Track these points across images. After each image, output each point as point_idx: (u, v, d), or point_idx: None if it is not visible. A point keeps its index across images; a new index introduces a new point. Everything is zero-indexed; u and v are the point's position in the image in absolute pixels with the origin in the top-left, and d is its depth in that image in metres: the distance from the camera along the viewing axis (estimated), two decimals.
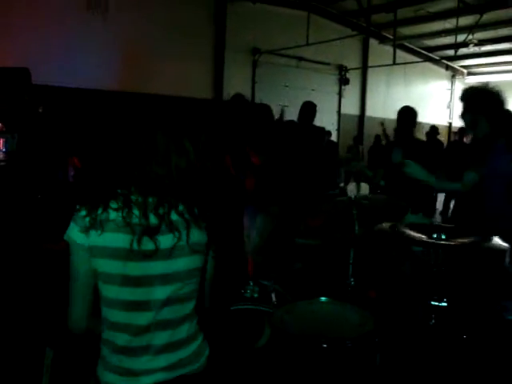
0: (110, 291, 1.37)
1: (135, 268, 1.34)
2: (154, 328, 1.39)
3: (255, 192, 2.97)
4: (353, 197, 2.85)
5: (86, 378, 1.62)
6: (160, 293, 1.37)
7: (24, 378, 2.44)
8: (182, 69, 9.82)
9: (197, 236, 1.39)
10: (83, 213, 1.35)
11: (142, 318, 1.38)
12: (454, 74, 17.44)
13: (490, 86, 3.11)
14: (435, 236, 2.58)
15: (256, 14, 11.06)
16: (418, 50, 14.96)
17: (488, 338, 2.71)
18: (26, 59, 6.23)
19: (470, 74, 17.39)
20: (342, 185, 7.80)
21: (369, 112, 14.50)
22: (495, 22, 11.54)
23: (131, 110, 1.47)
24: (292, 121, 4.87)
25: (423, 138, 8.11)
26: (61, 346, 2.13)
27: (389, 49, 12.32)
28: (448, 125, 17.15)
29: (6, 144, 4.27)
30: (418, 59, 14.84)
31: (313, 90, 12.51)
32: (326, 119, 11.44)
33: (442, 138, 13.12)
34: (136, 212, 1.34)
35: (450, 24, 11.84)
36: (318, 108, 4.96)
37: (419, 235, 2.64)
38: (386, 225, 2.66)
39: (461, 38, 11.87)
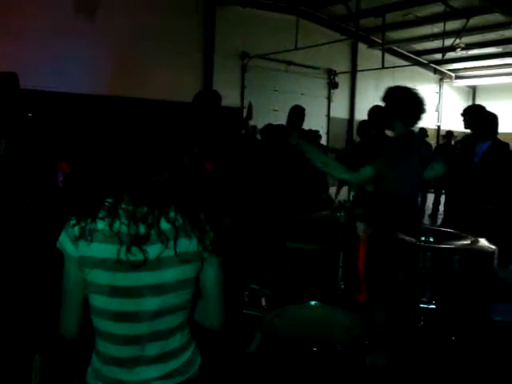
0: (98, 301, 1.35)
1: (124, 278, 1.33)
2: (146, 339, 1.37)
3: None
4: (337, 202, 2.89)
5: None
6: (150, 303, 1.35)
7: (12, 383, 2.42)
8: (171, 73, 9.80)
9: (185, 246, 1.36)
10: (73, 222, 1.34)
11: (132, 329, 1.36)
12: (442, 77, 17.58)
13: (410, 87, 3.15)
14: (423, 239, 2.60)
15: (245, 19, 11.08)
16: (406, 54, 15.07)
17: (476, 339, 2.74)
18: (14, 64, 6.19)
19: (457, 77, 17.54)
20: (335, 188, 7.81)
21: (358, 115, 14.53)
22: (482, 26, 11.68)
23: (121, 115, 1.46)
24: (281, 125, 4.88)
25: None
26: (50, 353, 2.12)
27: (377, 53, 12.40)
28: (436, 128, 17.28)
29: None
30: (407, 63, 14.94)
31: (302, 94, 12.54)
32: (315, 123, 11.47)
33: (432, 141, 13.23)
34: (125, 221, 1.32)
35: (437, 28, 11.96)
36: (307, 112, 4.98)
37: (409, 238, 2.67)
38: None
39: (448, 42, 12.00)
